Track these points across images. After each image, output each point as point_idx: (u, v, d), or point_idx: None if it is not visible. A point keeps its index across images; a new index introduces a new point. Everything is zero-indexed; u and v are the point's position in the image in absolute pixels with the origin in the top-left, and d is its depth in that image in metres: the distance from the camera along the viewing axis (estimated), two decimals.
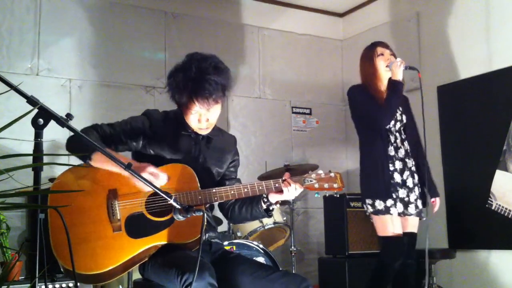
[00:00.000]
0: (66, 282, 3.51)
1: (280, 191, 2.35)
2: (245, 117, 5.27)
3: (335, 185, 2.38)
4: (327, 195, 2.41)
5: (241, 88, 5.26)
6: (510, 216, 4.14)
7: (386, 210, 3.33)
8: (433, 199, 3.53)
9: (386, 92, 3.43)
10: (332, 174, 2.39)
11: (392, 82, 3.41)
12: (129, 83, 4.73)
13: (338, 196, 2.87)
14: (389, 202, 3.33)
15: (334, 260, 4.53)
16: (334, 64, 5.85)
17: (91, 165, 2.17)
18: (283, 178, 2.35)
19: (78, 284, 1.98)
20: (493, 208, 4.25)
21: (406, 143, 3.50)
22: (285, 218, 4.14)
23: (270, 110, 5.42)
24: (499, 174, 4.24)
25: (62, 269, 2.17)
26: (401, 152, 3.44)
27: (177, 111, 2.50)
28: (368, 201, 3.40)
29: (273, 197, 2.40)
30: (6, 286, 2.97)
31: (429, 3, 5.00)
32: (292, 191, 2.33)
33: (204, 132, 2.44)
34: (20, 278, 3.62)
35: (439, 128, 4.75)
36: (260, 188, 2.34)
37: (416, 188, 3.45)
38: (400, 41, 5.21)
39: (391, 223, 3.35)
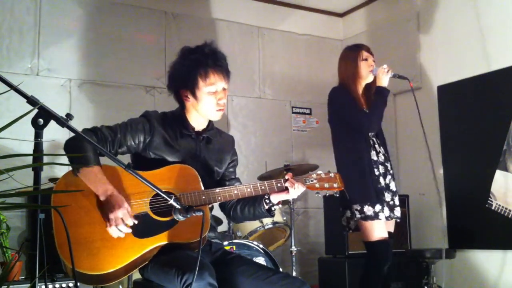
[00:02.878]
0: (66, 282, 3.50)
1: (282, 190, 2.39)
2: (245, 117, 5.27)
3: (335, 185, 2.44)
4: (327, 194, 2.42)
5: (241, 88, 5.26)
6: (510, 216, 4.14)
7: (375, 215, 3.28)
8: None
9: (372, 98, 3.41)
10: (331, 175, 2.45)
11: (379, 89, 3.39)
12: (129, 83, 4.73)
13: (338, 195, 2.87)
14: (378, 207, 3.29)
15: (334, 260, 4.53)
16: (334, 64, 5.81)
17: (78, 176, 2.18)
18: (286, 178, 2.38)
19: (78, 284, 1.98)
20: (493, 208, 4.25)
21: (382, 147, 3.49)
22: (285, 218, 4.14)
23: (270, 110, 5.42)
24: (499, 174, 4.24)
25: (64, 269, 2.17)
26: (381, 156, 3.43)
27: (177, 112, 2.51)
28: (356, 206, 3.32)
29: (275, 198, 2.42)
30: (6, 286, 2.97)
31: (429, 3, 5.00)
32: (295, 190, 2.37)
33: (220, 114, 2.46)
34: (20, 278, 3.61)
35: (439, 128, 4.75)
36: (263, 188, 2.36)
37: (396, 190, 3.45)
38: (400, 41, 5.22)
39: (379, 228, 3.30)
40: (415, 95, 3.43)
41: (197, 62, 2.40)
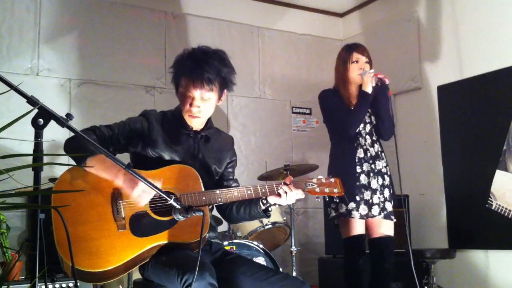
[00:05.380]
0: (66, 282, 3.50)
1: (278, 194, 2.37)
2: (245, 117, 5.27)
3: (336, 190, 2.45)
4: (327, 198, 2.43)
5: (241, 88, 5.23)
6: (510, 216, 4.14)
7: (348, 213, 3.33)
8: None
9: (356, 101, 3.43)
10: (332, 180, 2.46)
11: (361, 93, 3.41)
12: (129, 83, 4.73)
13: (338, 201, 2.91)
14: (351, 205, 3.33)
15: (334, 260, 4.53)
16: (334, 64, 5.83)
17: (85, 169, 2.17)
18: (287, 183, 2.37)
19: (78, 284, 1.97)
20: (493, 208, 4.25)
21: (377, 145, 3.49)
22: (285, 218, 4.14)
23: (270, 110, 5.42)
24: (499, 174, 4.24)
25: (63, 267, 2.17)
26: (371, 154, 3.43)
27: (175, 111, 2.51)
28: (332, 205, 3.40)
29: (273, 199, 2.41)
30: (6, 286, 2.97)
31: (429, 3, 5.00)
32: (293, 196, 2.35)
33: (194, 121, 2.43)
34: (20, 278, 3.61)
35: (439, 128, 4.76)
36: (263, 190, 2.36)
37: (387, 189, 3.42)
38: (400, 41, 5.22)
39: (353, 226, 3.36)
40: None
41: (177, 64, 2.45)
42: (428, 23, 4.99)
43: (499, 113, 4.28)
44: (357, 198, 3.34)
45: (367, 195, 3.36)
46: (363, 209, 3.34)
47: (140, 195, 2.16)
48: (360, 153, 3.41)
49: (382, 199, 3.39)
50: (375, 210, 3.37)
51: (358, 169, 3.38)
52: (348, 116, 3.40)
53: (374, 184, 3.39)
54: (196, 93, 2.37)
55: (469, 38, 4.60)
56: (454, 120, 4.67)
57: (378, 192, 3.39)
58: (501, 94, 4.30)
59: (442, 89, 4.79)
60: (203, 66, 2.36)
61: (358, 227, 3.37)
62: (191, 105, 2.39)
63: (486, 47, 4.46)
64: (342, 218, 3.37)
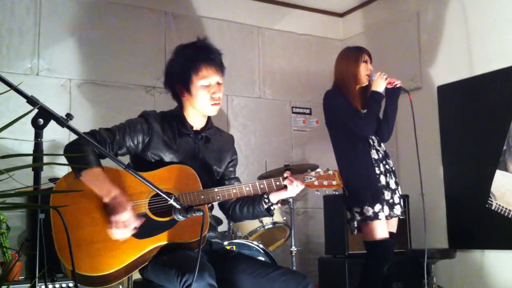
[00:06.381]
0: (66, 282, 3.51)
1: (281, 189, 2.39)
2: (245, 117, 5.27)
3: (334, 182, 2.45)
4: (326, 192, 2.44)
5: (241, 88, 5.26)
6: (510, 216, 4.14)
7: (375, 216, 3.28)
8: None
9: (368, 103, 3.42)
10: (330, 172, 2.46)
11: (373, 94, 3.39)
12: (129, 83, 4.73)
13: (337, 193, 2.89)
14: (377, 207, 3.30)
15: (334, 260, 4.53)
16: (334, 64, 5.84)
17: (80, 179, 2.17)
18: (285, 176, 2.39)
19: (78, 285, 1.97)
20: (493, 208, 4.25)
21: (383, 145, 3.51)
22: (285, 218, 4.14)
23: (270, 110, 5.42)
24: (499, 174, 4.24)
25: (64, 271, 2.16)
26: (381, 154, 3.43)
27: (175, 111, 2.52)
28: (356, 209, 3.34)
29: (274, 197, 2.43)
30: (6, 286, 2.97)
31: (429, 3, 5.00)
32: (294, 188, 2.37)
33: (216, 108, 2.46)
34: (20, 278, 3.61)
35: (439, 128, 4.75)
36: (262, 186, 2.37)
37: (399, 188, 3.45)
38: (400, 41, 5.22)
39: (380, 228, 3.30)
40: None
41: (189, 57, 2.44)
42: (428, 23, 4.99)
43: (499, 113, 4.28)
44: (381, 199, 3.31)
45: (387, 195, 3.35)
46: (386, 210, 3.33)
47: (117, 222, 2.13)
48: (374, 154, 3.39)
49: (398, 198, 3.40)
50: (397, 209, 3.36)
51: (377, 170, 3.36)
52: (362, 118, 3.37)
53: (392, 184, 3.40)
54: (218, 78, 2.44)
55: (469, 38, 4.60)
56: (454, 120, 4.66)
57: (397, 192, 3.39)
58: (501, 94, 4.30)
59: (442, 89, 4.79)
60: (215, 52, 2.47)
61: (383, 229, 3.32)
62: (214, 92, 2.43)
63: (486, 47, 4.46)
64: (369, 221, 3.29)
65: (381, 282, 3.34)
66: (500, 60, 4.33)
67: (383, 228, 3.31)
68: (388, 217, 3.34)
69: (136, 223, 2.16)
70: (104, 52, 4.65)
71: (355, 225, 3.39)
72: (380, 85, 3.39)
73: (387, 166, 3.42)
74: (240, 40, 5.35)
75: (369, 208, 3.29)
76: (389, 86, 3.41)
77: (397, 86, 3.41)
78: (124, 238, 2.15)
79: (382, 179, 3.36)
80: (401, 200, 3.44)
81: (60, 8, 4.51)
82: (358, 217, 3.34)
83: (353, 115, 3.39)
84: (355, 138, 3.41)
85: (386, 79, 3.39)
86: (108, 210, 2.15)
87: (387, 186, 3.37)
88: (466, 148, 4.54)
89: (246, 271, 2.29)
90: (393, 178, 3.43)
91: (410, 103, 3.44)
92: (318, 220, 5.27)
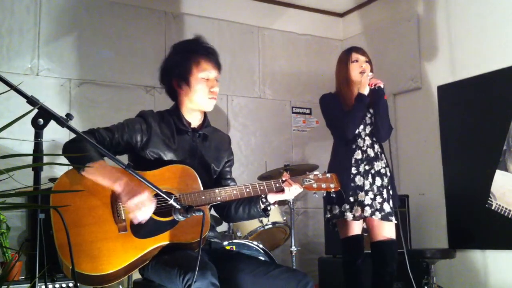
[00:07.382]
0: (66, 282, 3.51)
1: (280, 191, 2.40)
2: (245, 117, 5.27)
3: (332, 185, 2.48)
4: (324, 195, 2.47)
5: (241, 88, 5.26)
6: (510, 216, 4.14)
7: (341, 214, 3.38)
8: None
9: (353, 104, 3.44)
10: (328, 175, 2.49)
11: (358, 95, 3.42)
12: (129, 83, 4.73)
13: (335, 196, 2.90)
14: (344, 206, 3.37)
15: (334, 260, 4.53)
16: (334, 64, 5.82)
17: (83, 175, 2.17)
18: (283, 179, 2.40)
19: (78, 284, 1.97)
20: (493, 208, 4.25)
21: (377, 146, 3.48)
22: (285, 218, 4.14)
23: (270, 110, 5.42)
24: (499, 174, 4.24)
25: (63, 270, 2.16)
26: (369, 155, 3.43)
27: (172, 110, 2.52)
28: (328, 207, 3.47)
29: (272, 197, 2.43)
30: (6, 286, 2.97)
31: (429, 4, 5.00)
32: (292, 191, 2.39)
33: (213, 103, 2.49)
34: (20, 278, 3.62)
35: (439, 128, 4.75)
36: (261, 188, 2.37)
37: (385, 190, 3.40)
38: (400, 41, 5.22)
39: (349, 227, 3.41)
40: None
41: (190, 51, 2.48)
42: (428, 23, 4.99)
43: (499, 113, 4.28)
44: (351, 199, 3.37)
45: (361, 196, 3.37)
46: (356, 210, 3.36)
47: (136, 205, 2.13)
48: (357, 155, 3.42)
49: (380, 200, 3.37)
50: (367, 211, 3.36)
51: (354, 170, 3.39)
52: (345, 118, 3.41)
53: (367, 185, 3.39)
54: (216, 74, 2.49)
55: (470, 38, 4.60)
56: (454, 120, 4.67)
57: (370, 193, 3.38)
58: (501, 94, 4.30)
59: (442, 89, 4.79)
60: (213, 49, 2.53)
61: (354, 228, 3.42)
62: (212, 86, 2.46)
63: (486, 47, 4.46)
64: (336, 219, 3.42)
65: (354, 277, 3.44)
66: (500, 60, 4.33)
67: (352, 226, 3.41)
68: (358, 218, 3.38)
69: (155, 202, 2.15)
70: (104, 52, 4.65)
71: (330, 223, 3.52)
72: (364, 87, 3.41)
73: (368, 167, 3.41)
74: (240, 40, 5.35)
75: (336, 207, 3.40)
76: (371, 87, 3.42)
77: (377, 86, 3.40)
78: (145, 219, 2.15)
79: (358, 180, 3.38)
80: (384, 204, 3.37)
81: (60, 8, 4.51)
82: (328, 214, 3.46)
83: (339, 117, 3.44)
84: (340, 139, 3.50)
85: (370, 79, 3.40)
86: (122, 197, 2.13)
87: (362, 187, 3.38)
88: (466, 148, 4.54)
89: (246, 270, 2.29)
90: (377, 180, 3.40)
91: (386, 102, 3.45)
92: (318, 220, 5.28)
